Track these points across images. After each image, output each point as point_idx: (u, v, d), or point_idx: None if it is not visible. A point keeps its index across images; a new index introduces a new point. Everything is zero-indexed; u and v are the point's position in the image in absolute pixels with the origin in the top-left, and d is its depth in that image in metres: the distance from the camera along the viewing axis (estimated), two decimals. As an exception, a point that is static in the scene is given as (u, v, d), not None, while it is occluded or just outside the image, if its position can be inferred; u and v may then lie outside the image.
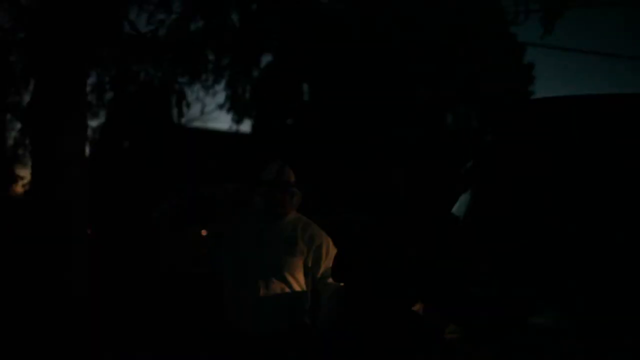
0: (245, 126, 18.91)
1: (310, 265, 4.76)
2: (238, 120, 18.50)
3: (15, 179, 17.11)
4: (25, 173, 15.85)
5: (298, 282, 4.71)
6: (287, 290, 4.64)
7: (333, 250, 4.78)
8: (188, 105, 15.79)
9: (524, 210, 3.51)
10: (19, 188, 16.34)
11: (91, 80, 13.23)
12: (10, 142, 16.00)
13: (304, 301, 4.76)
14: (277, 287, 4.61)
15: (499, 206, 3.61)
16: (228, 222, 5.00)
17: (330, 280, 4.65)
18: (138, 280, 9.31)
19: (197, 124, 18.74)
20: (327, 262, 4.74)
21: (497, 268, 3.42)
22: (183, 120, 17.10)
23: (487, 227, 3.61)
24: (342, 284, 4.45)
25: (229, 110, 18.09)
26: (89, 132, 14.29)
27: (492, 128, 4.09)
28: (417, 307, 3.93)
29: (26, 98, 13.38)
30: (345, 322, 4.09)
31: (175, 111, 16.44)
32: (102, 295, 8.87)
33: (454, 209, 4.38)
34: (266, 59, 16.54)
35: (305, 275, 4.76)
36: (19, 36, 11.34)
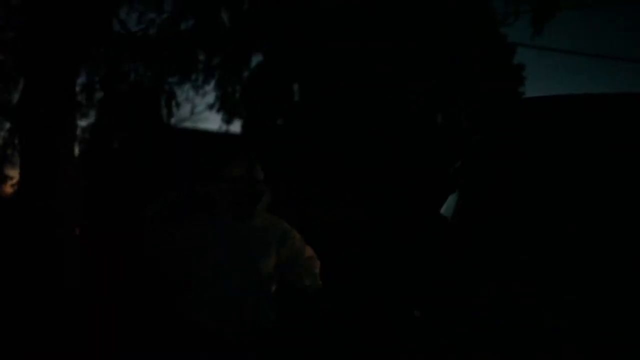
0: (236, 126, 18.86)
1: (284, 263, 4.49)
2: (228, 120, 18.46)
3: (5, 179, 17.02)
4: (14, 173, 15.77)
5: (273, 283, 4.48)
6: (264, 291, 4.42)
7: (305, 247, 4.60)
8: (178, 105, 15.77)
9: (514, 210, 3.52)
10: (7, 188, 16.25)
11: (81, 79, 13.21)
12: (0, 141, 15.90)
13: (275, 302, 4.51)
14: (253, 288, 4.35)
15: (487, 206, 3.62)
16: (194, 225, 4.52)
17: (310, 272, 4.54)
18: (126, 276, 9.29)
19: (187, 124, 18.72)
20: (301, 260, 4.54)
21: (489, 269, 3.41)
22: (173, 120, 17.05)
23: (475, 227, 3.61)
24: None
25: (219, 110, 18.05)
26: (79, 132, 14.25)
27: (482, 127, 4.09)
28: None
29: (15, 97, 13.35)
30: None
31: (165, 111, 16.40)
32: (92, 290, 8.89)
33: (443, 210, 4.37)
34: (256, 58, 16.49)
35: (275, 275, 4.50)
36: (8, 35, 11.32)
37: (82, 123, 16.65)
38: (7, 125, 15.08)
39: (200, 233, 4.45)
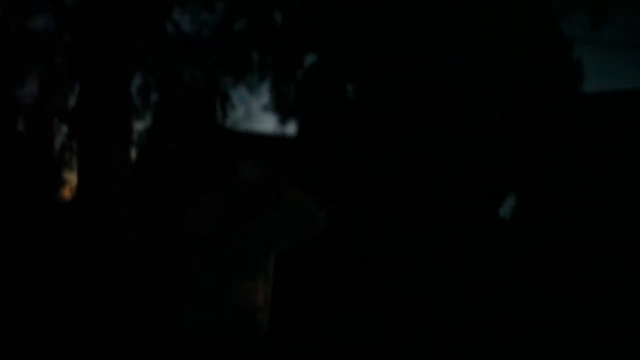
0: (290, 127, 18.84)
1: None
2: (283, 121, 18.43)
3: (63, 182, 17.26)
4: (72, 177, 15.99)
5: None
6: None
7: None
8: (233, 107, 15.80)
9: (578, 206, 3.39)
10: (66, 192, 16.47)
11: (136, 82, 13.32)
12: (57, 146, 16.12)
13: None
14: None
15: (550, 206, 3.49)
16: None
17: None
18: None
19: (242, 125, 18.75)
20: None
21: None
22: (227, 121, 17.10)
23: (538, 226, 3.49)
24: None
25: (273, 111, 18.03)
26: (135, 135, 14.37)
27: (544, 126, 3.94)
28: None
29: (72, 102, 13.52)
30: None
31: (220, 113, 16.46)
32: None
33: (501, 211, 4.23)
34: (310, 58, 16.44)
35: None
36: (63, 39, 11.42)
37: (138, 126, 16.81)
38: (65, 129, 15.28)
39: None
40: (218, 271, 4.08)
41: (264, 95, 20.85)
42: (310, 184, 13.57)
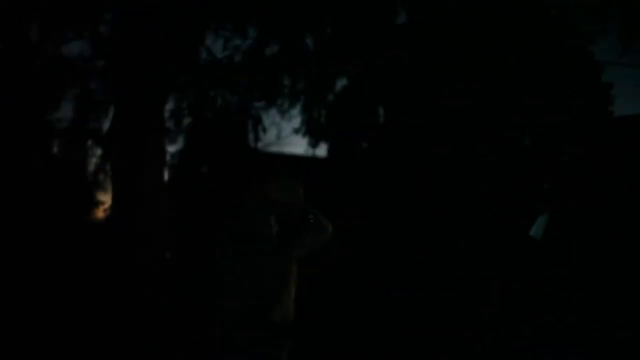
0: (322, 150, 18.90)
1: None
2: (314, 144, 18.51)
3: (96, 204, 17.47)
4: (106, 198, 16.19)
5: None
6: None
7: None
8: (264, 130, 15.93)
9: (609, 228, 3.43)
10: (99, 213, 16.67)
11: (169, 106, 13.50)
12: (91, 167, 16.33)
13: None
14: None
15: (581, 225, 3.54)
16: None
17: None
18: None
19: (274, 148, 18.86)
20: None
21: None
22: (259, 144, 17.22)
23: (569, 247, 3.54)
24: None
25: (304, 134, 18.13)
26: (168, 157, 14.54)
27: (572, 147, 4.00)
28: None
29: (106, 125, 13.74)
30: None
31: (252, 136, 16.59)
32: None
33: (532, 231, 4.28)
34: (341, 82, 16.54)
35: None
36: (98, 65, 11.63)
37: (171, 149, 16.98)
38: (99, 151, 15.49)
39: None
40: (256, 283, 4.09)
41: (296, 118, 20.98)
42: (338, 202, 13.66)
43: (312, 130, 18.14)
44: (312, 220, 4.26)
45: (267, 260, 4.12)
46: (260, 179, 4.46)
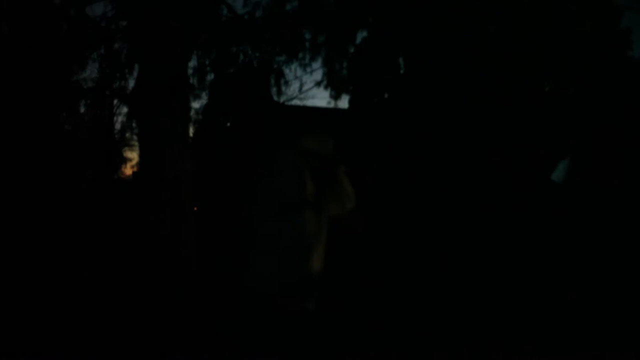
0: (343, 102, 19.03)
1: None
2: (335, 97, 18.62)
3: (124, 160, 17.76)
4: (133, 155, 16.49)
5: None
6: None
7: None
8: (286, 84, 16.07)
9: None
10: (127, 170, 16.97)
11: (192, 63, 13.67)
12: (118, 126, 16.60)
13: None
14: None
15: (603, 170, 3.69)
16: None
17: None
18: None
19: (296, 101, 19.02)
20: None
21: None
22: (282, 98, 17.38)
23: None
24: None
25: (326, 87, 18.23)
26: (192, 113, 14.74)
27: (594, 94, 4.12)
28: None
29: (131, 83, 13.93)
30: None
31: (274, 90, 16.74)
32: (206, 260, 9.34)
33: (555, 175, 4.41)
34: (361, 34, 16.59)
35: None
36: (122, 24, 11.77)
37: (195, 105, 17.18)
38: (125, 109, 15.72)
39: None
40: (289, 236, 4.16)
41: (317, 72, 20.95)
42: (360, 154, 13.82)
43: (333, 83, 18.24)
44: (345, 172, 4.36)
45: (302, 215, 4.19)
46: (293, 132, 4.55)
